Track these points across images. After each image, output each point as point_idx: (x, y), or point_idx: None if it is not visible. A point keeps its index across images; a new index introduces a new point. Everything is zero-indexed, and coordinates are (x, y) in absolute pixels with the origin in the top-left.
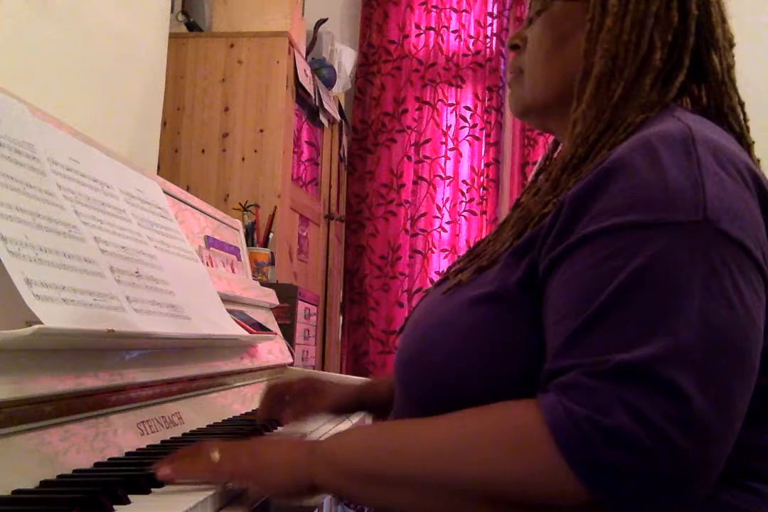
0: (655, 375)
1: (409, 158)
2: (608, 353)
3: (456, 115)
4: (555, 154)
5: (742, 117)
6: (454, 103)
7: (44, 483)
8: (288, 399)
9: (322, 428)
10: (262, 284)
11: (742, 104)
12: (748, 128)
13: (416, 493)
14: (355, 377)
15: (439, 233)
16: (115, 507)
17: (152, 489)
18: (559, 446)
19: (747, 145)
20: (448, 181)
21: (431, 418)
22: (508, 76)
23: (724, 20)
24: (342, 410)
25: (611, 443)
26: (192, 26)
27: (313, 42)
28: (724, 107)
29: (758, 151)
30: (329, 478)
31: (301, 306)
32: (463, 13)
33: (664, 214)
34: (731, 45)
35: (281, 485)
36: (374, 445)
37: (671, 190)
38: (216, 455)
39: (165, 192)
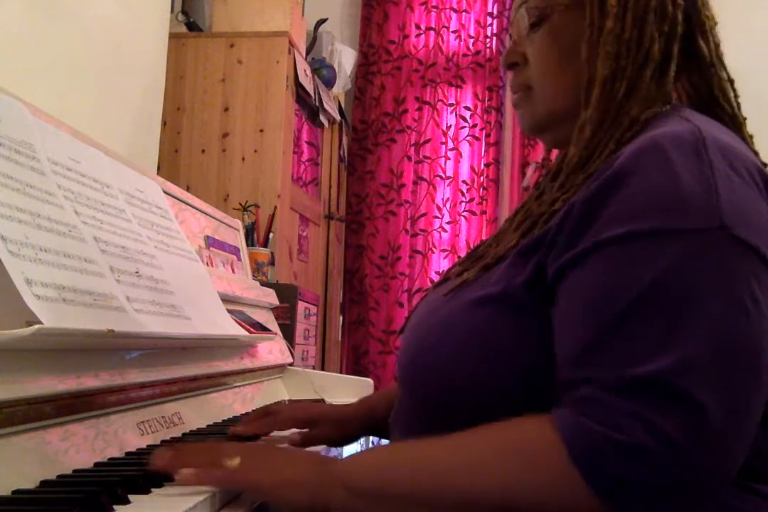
0: (670, 388)
1: (409, 158)
2: (623, 366)
3: (456, 115)
4: (554, 159)
5: (732, 95)
6: (454, 103)
7: (44, 483)
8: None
9: None
10: (262, 284)
11: (731, 81)
12: (739, 106)
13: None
14: (354, 377)
15: (439, 233)
16: (115, 507)
17: (152, 489)
18: (574, 462)
19: (740, 123)
20: (448, 181)
21: (445, 436)
22: (514, 97)
23: (704, 1)
24: (343, 442)
25: (627, 459)
26: (192, 26)
27: (313, 42)
28: (714, 89)
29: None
30: (345, 500)
31: (301, 306)
32: (463, 13)
33: (678, 222)
34: (715, 23)
35: (296, 504)
36: (389, 465)
37: (685, 196)
38: (235, 463)
39: (165, 192)
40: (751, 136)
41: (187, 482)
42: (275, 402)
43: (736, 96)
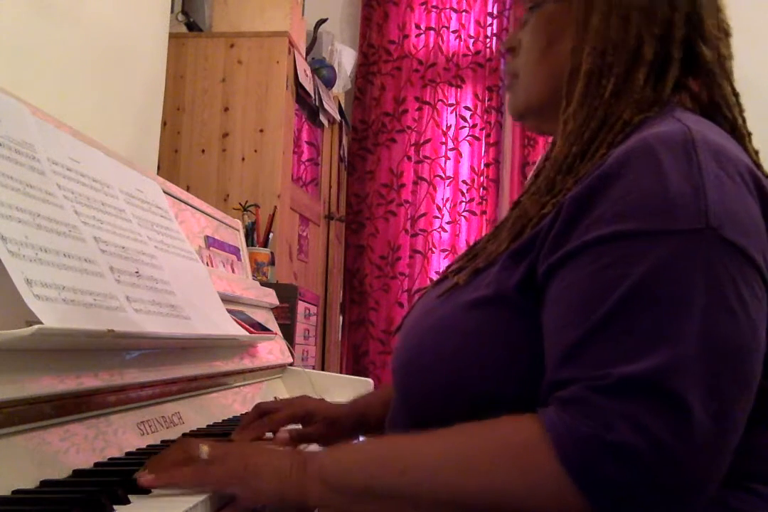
0: (657, 388)
1: (409, 158)
2: (609, 366)
3: (456, 115)
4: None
5: (737, 108)
6: (454, 103)
7: (44, 483)
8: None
9: None
10: (262, 284)
11: (737, 94)
12: (744, 118)
13: (414, 510)
14: (354, 377)
15: (439, 233)
16: (115, 507)
17: (152, 490)
18: (562, 462)
19: (743, 135)
20: (448, 181)
21: (429, 433)
22: (506, 81)
23: (718, 10)
24: (335, 442)
25: (615, 459)
26: (192, 26)
27: (313, 42)
28: (716, 97)
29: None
30: (323, 495)
31: (301, 306)
32: (463, 13)
33: (665, 222)
34: (727, 34)
35: (267, 494)
36: (371, 461)
37: (672, 197)
38: (205, 449)
39: (165, 192)
40: (756, 152)
41: (152, 486)
42: (267, 401)
43: (741, 110)
